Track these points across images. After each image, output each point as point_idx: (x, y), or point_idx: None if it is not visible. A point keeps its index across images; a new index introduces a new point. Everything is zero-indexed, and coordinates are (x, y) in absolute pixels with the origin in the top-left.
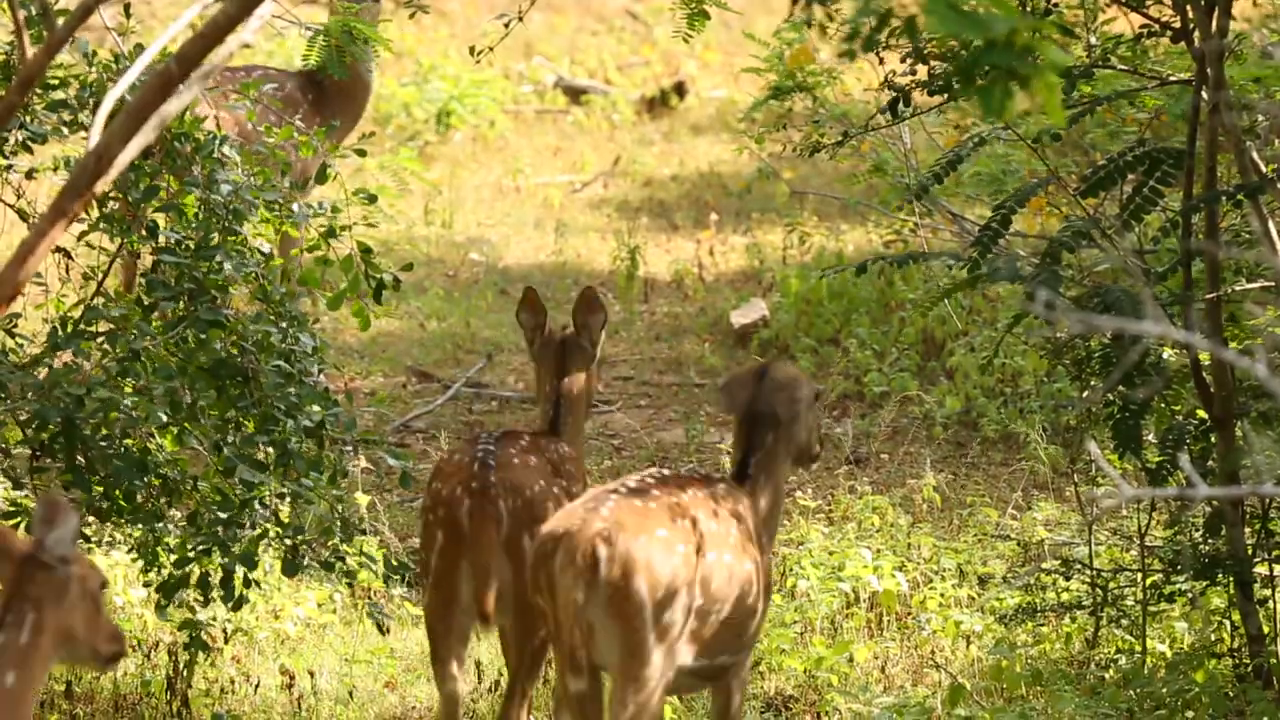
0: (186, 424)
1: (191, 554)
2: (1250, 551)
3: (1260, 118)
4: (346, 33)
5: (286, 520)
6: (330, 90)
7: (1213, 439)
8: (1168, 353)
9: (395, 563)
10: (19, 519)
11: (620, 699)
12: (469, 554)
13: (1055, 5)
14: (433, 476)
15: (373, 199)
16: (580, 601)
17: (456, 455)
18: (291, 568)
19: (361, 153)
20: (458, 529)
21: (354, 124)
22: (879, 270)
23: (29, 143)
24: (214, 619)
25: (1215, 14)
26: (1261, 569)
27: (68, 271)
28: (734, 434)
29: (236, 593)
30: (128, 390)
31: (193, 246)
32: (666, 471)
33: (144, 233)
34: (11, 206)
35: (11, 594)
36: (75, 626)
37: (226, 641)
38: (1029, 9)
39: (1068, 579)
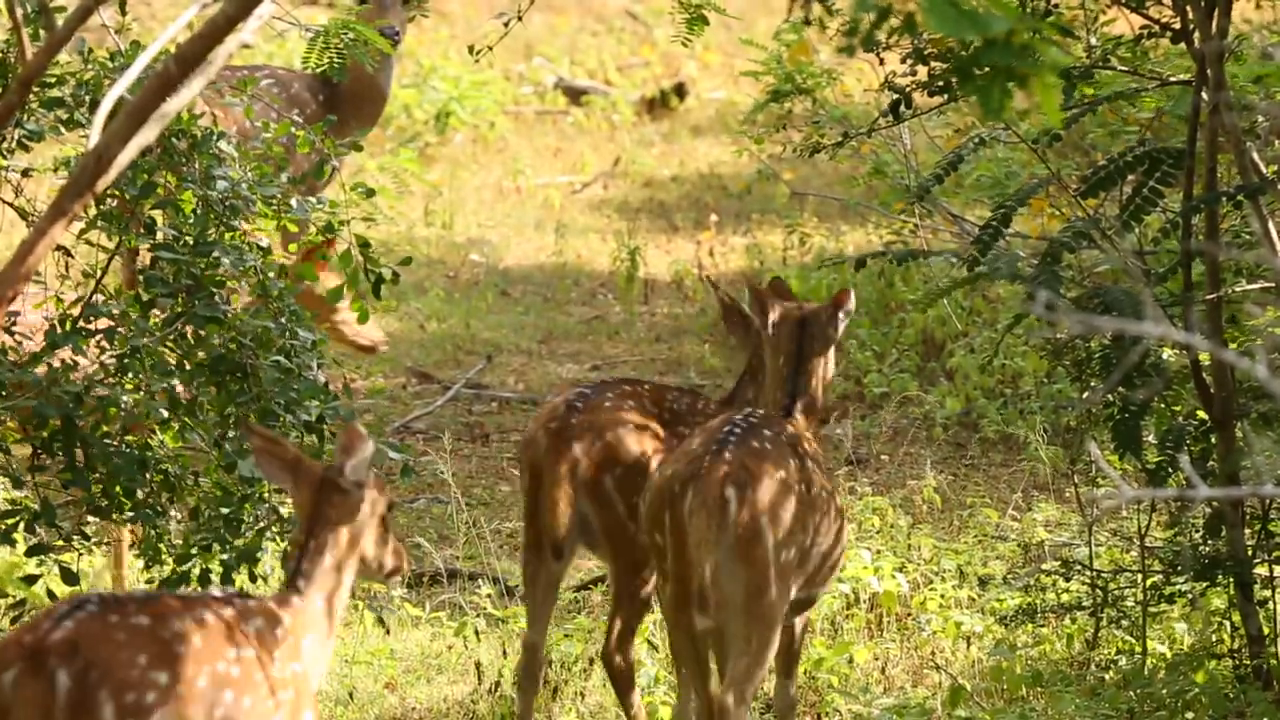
0: (187, 420)
1: (194, 550)
2: (1250, 552)
3: (1260, 118)
4: (358, 40)
5: (287, 516)
6: (344, 93)
7: (1213, 440)
8: (1168, 354)
9: None
10: (17, 518)
11: (744, 636)
12: (545, 491)
13: (1055, 6)
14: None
15: (370, 193)
16: (711, 543)
17: (551, 397)
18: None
19: (358, 147)
20: (538, 469)
21: (366, 128)
22: (879, 271)
23: (25, 140)
24: None
25: (1215, 15)
26: (1261, 570)
27: (67, 269)
28: (776, 373)
29: (236, 588)
30: (129, 387)
31: (191, 243)
32: (735, 419)
33: (141, 229)
34: (11, 205)
35: (313, 519)
36: (367, 546)
37: None
38: (1029, 10)
39: (1068, 580)
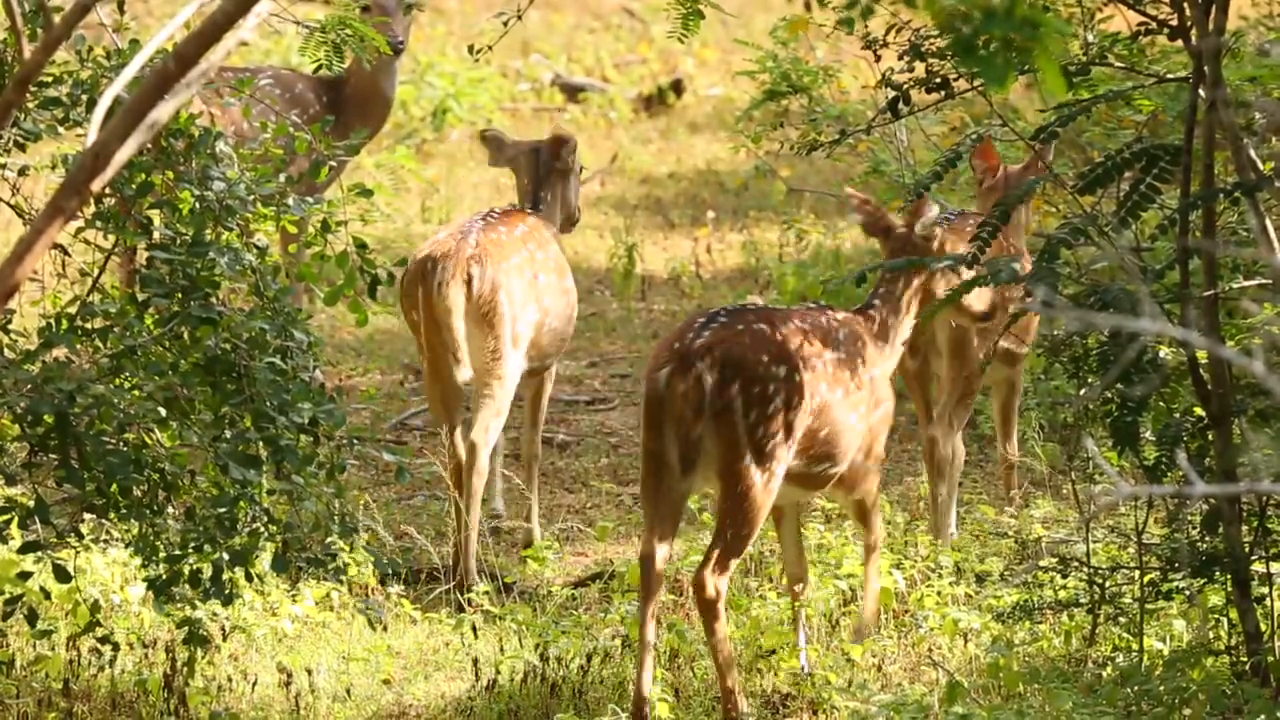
0: (184, 419)
1: (190, 549)
2: (1247, 549)
3: (1257, 115)
4: (354, 35)
5: (280, 517)
6: (347, 96)
7: (1210, 436)
8: (1165, 350)
9: (388, 560)
10: (11, 514)
11: None
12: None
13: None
14: None
15: (368, 193)
16: None
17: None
18: (281, 564)
19: (354, 150)
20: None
21: (371, 132)
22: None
23: (21, 140)
24: (214, 615)
25: (1213, 11)
26: (1258, 566)
27: (64, 268)
28: None
29: (227, 589)
30: (126, 386)
31: (187, 243)
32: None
33: (138, 229)
34: (8, 203)
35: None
36: (932, 287)
37: (224, 639)
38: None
39: (1065, 577)
